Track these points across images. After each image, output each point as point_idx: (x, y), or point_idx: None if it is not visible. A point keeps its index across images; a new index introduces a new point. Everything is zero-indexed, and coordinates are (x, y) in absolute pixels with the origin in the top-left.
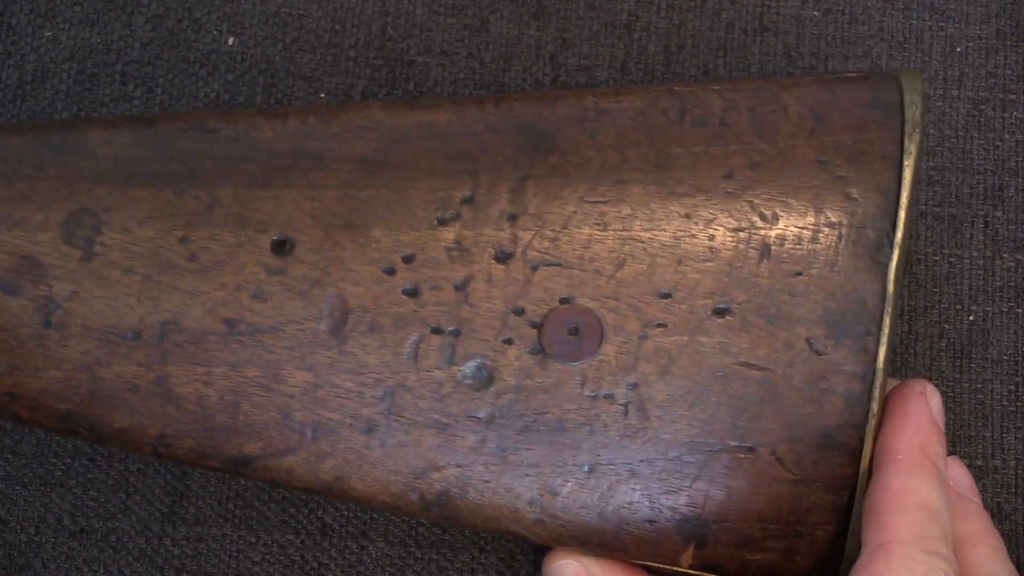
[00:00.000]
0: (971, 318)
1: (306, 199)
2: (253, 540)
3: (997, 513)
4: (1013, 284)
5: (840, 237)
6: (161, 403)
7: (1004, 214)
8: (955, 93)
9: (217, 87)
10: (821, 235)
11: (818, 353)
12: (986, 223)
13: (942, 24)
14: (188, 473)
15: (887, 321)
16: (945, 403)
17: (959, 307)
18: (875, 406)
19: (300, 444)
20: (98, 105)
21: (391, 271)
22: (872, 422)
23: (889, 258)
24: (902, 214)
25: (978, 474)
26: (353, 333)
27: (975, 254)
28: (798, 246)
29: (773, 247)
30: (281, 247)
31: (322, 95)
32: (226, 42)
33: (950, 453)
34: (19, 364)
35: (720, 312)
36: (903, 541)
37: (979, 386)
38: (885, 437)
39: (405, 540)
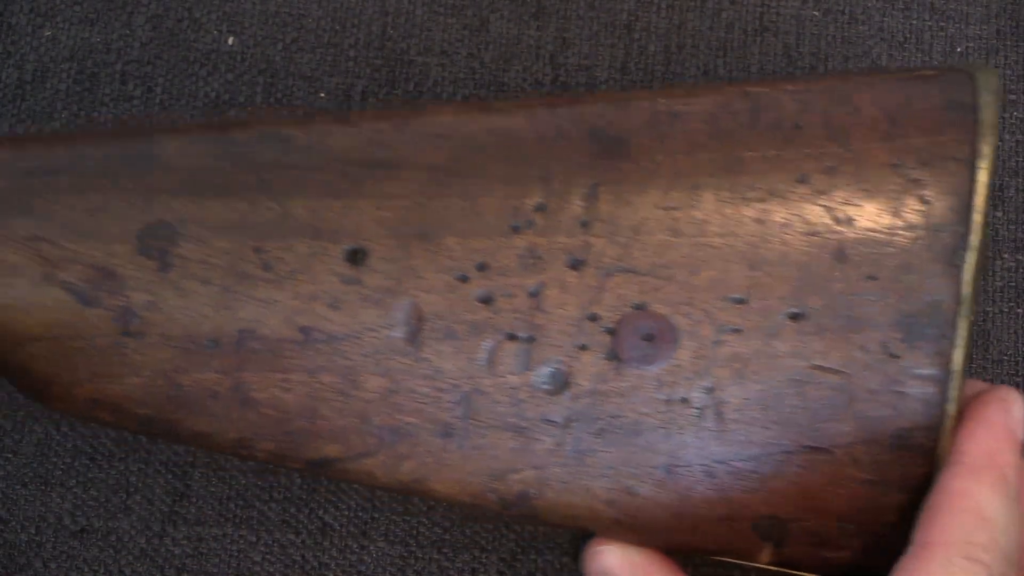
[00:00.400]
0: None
1: (379, 209)
2: (254, 540)
3: None
4: (1013, 284)
5: (915, 240)
6: (240, 408)
7: (1004, 214)
8: None
9: (217, 87)
10: (896, 239)
11: (893, 356)
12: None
13: (942, 24)
14: (189, 473)
15: (962, 324)
16: None
17: None
18: (951, 408)
19: (379, 447)
20: (98, 104)
21: (465, 279)
22: (948, 424)
23: (964, 261)
24: (976, 217)
25: None
26: (428, 340)
27: None
28: (873, 250)
29: (847, 251)
30: (354, 256)
31: (322, 95)
32: (226, 42)
33: None
34: (99, 371)
35: (794, 316)
36: (946, 544)
37: None
38: (957, 440)
39: (406, 540)
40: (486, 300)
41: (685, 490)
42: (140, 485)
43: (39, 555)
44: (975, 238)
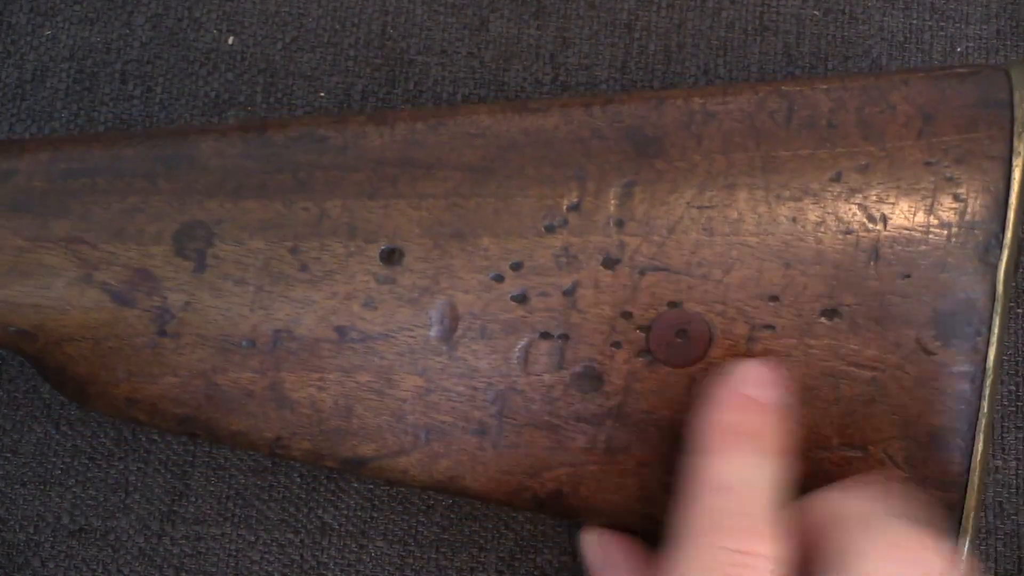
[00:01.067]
0: None
1: (414, 209)
2: (252, 539)
3: (998, 512)
4: (1013, 284)
5: (949, 238)
6: (276, 407)
7: None
8: None
9: (217, 86)
10: (930, 236)
11: (928, 353)
12: None
13: (942, 24)
14: (188, 472)
15: (997, 321)
16: None
17: None
18: (985, 405)
19: (414, 445)
20: (97, 104)
21: (500, 278)
22: (983, 421)
23: (998, 259)
24: (1011, 215)
25: None
26: (463, 339)
27: None
28: (907, 248)
29: (882, 249)
30: (390, 256)
31: (322, 94)
32: (226, 41)
33: None
34: (136, 371)
35: (829, 314)
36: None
37: None
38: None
39: (404, 539)
40: (521, 299)
41: None
42: (139, 484)
43: (37, 554)
44: (1010, 235)
